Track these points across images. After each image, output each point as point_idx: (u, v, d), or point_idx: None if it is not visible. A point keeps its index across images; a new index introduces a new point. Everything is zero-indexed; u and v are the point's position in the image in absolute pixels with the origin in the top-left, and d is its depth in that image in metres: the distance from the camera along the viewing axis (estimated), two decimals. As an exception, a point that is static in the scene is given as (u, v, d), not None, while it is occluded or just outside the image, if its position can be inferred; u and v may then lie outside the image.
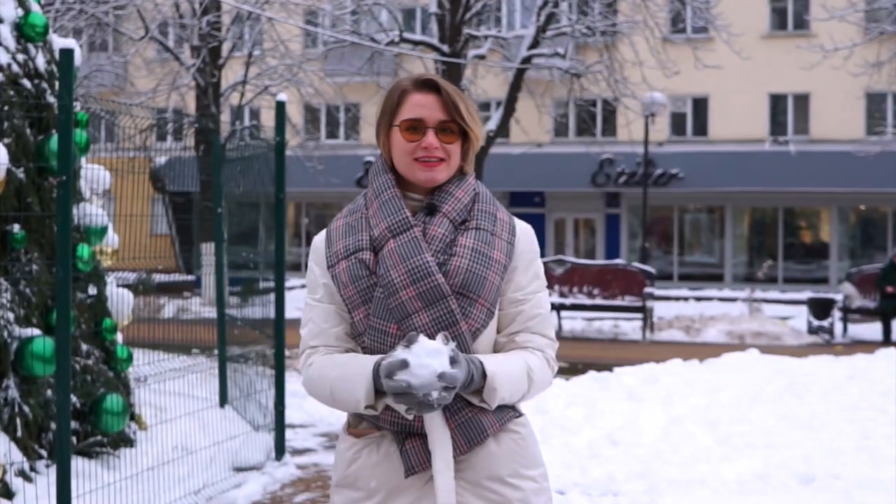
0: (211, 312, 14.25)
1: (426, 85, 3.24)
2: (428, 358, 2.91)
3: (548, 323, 3.32)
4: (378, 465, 3.18)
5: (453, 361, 2.96)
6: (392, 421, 3.13)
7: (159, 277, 13.88)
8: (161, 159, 27.03)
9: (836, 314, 23.84)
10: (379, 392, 3.07)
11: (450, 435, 3.10)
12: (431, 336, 3.03)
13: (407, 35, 26.75)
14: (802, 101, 37.54)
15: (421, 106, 3.20)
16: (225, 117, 30.31)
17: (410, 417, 3.07)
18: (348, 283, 3.18)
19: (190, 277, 24.94)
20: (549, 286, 23.34)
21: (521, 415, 3.28)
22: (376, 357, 3.10)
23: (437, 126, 3.19)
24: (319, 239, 3.33)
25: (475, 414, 3.12)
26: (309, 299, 3.30)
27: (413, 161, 3.20)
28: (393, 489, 3.16)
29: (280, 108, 9.79)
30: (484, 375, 3.08)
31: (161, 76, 29.37)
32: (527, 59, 26.81)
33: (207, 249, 22.67)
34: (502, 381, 3.11)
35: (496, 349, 3.26)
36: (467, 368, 3.02)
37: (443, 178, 3.22)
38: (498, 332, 3.26)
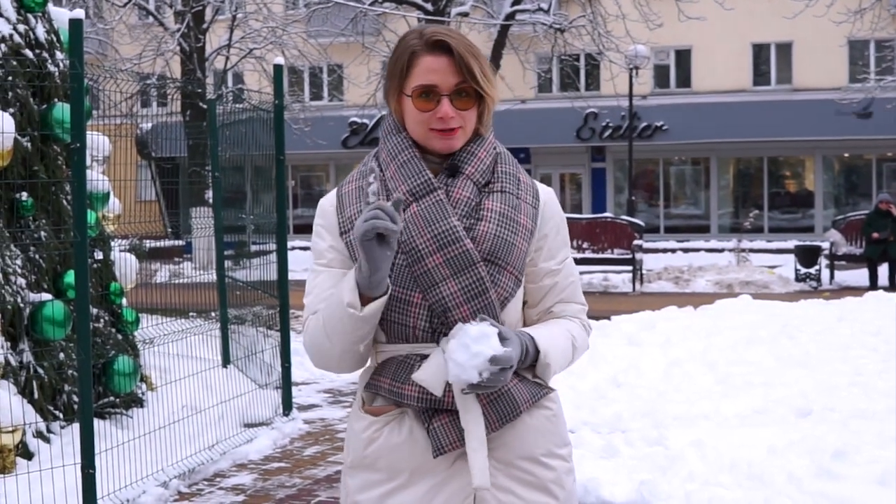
0: (203, 276, 14.38)
1: (438, 46, 2.93)
2: (477, 345, 2.72)
3: (579, 288, 3.15)
4: (402, 446, 2.94)
5: (503, 339, 2.78)
6: (419, 397, 2.88)
7: (149, 243, 13.98)
8: (146, 125, 27.02)
9: (823, 261, 24.03)
10: (364, 296, 2.82)
11: (481, 411, 2.86)
12: (460, 305, 2.88)
13: (390, -6, 26.82)
14: (785, 49, 37.65)
15: (433, 71, 2.92)
16: (209, 81, 30.29)
17: (439, 393, 2.86)
18: None
19: (179, 242, 24.96)
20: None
21: (553, 390, 3.08)
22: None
23: (452, 91, 2.92)
24: (328, 203, 3.07)
25: (508, 389, 2.89)
26: (315, 265, 3.05)
27: (428, 131, 2.94)
28: (417, 470, 2.93)
29: (278, 71, 9.92)
30: (536, 350, 2.93)
31: (145, 42, 29.30)
32: (510, 16, 26.89)
33: (198, 213, 22.74)
34: (555, 356, 2.98)
35: (528, 323, 3.08)
36: (520, 343, 2.86)
37: (460, 145, 2.98)
38: (530, 305, 3.08)
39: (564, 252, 3.10)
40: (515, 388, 2.91)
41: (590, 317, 3.20)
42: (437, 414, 2.89)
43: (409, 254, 2.89)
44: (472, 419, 2.85)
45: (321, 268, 3.02)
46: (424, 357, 2.90)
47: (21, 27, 8.88)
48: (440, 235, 2.88)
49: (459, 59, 2.90)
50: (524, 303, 3.07)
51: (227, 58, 29.67)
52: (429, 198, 2.92)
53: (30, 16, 9.04)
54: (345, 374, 12.15)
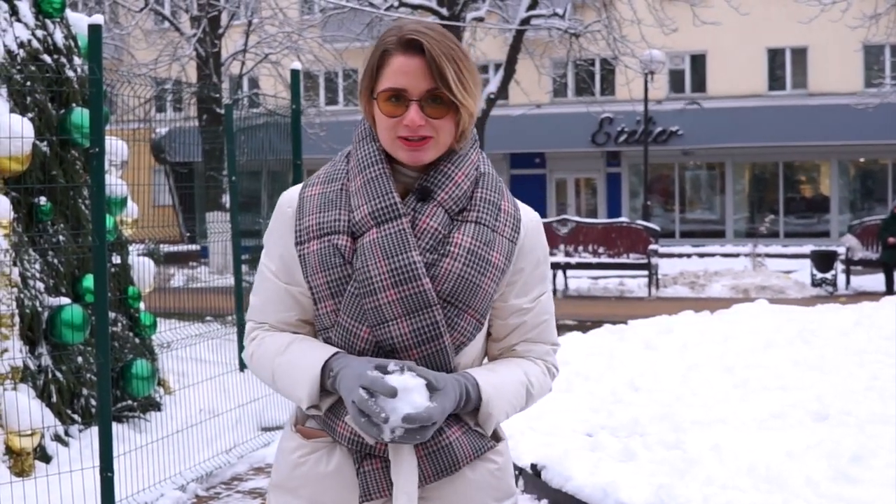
0: (220, 280, 14.42)
1: (412, 46, 2.62)
2: (392, 400, 2.47)
3: (551, 327, 2.87)
4: (327, 479, 2.69)
5: (433, 390, 2.52)
6: (350, 439, 2.63)
7: (165, 247, 14.01)
8: (161, 130, 27.10)
9: (839, 266, 24.01)
10: (325, 390, 2.64)
11: (416, 463, 2.61)
12: (409, 348, 2.62)
13: (405, -1, 26.78)
14: (800, 54, 37.59)
15: (403, 73, 2.61)
16: (225, 86, 30.34)
17: (372, 443, 2.60)
18: (318, 271, 2.65)
19: (194, 247, 25.02)
20: (555, 246, 23.46)
21: (500, 440, 2.82)
22: (325, 350, 2.66)
23: (423, 97, 2.61)
24: (287, 203, 2.77)
25: (449, 443, 2.64)
26: (263, 265, 2.79)
27: (395, 140, 2.64)
28: None
29: (295, 76, 9.96)
30: (480, 396, 2.66)
31: (161, 47, 29.38)
32: (525, 20, 26.87)
33: (213, 218, 22.80)
34: (499, 405, 2.69)
35: (490, 356, 2.85)
36: (457, 393, 2.59)
37: (430, 157, 2.67)
38: (494, 339, 2.82)
39: (540, 288, 2.82)
40: (457, 441, 2.66)
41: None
42: (369, 457, 2.65)
43: (361, 284, 2.61)
44: (404, 473, 2.60)
45: (269, 274, 2.77)
46: None
47: (39, 32, 8.93)
48: (397, 271, 2.59)
49: (431, 61, 2.59)
50: (488, 334, 2.82)
51: (243, 63, 29.71)
52: (391, 225, 2.62)
53: (48, 21, 9.09)
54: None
